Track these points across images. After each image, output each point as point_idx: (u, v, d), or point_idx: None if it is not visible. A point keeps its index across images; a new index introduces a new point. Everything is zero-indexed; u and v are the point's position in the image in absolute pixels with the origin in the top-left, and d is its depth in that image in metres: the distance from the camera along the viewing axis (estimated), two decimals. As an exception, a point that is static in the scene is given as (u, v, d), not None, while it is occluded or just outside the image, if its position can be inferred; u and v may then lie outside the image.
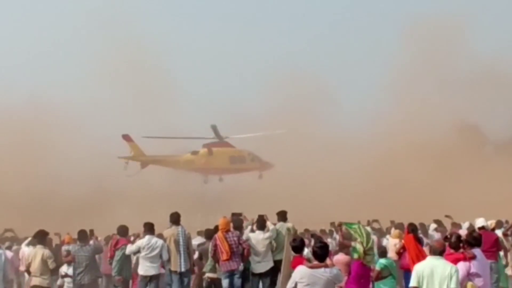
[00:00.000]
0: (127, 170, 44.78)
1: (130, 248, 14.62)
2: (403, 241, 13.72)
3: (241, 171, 46.24)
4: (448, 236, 11.29)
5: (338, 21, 51.23)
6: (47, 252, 14.21)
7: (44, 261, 14.01)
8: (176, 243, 14.38)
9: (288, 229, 14.56)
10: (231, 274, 14.04)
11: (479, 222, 15.13)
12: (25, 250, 17.97)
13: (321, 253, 9.05)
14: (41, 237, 14.59)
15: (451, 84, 46.34)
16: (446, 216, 21.33)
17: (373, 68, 50.39)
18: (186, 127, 44.63)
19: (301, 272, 8.96)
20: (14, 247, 18.63)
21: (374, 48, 51.20)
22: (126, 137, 45.67)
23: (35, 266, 14.06)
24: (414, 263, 11.02)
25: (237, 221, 14.81)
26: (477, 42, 51.38)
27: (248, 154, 46.92)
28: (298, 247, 10.27)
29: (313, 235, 9.30)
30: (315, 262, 9.02)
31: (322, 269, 8.91)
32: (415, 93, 46.77)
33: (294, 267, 9.47)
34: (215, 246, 14.08)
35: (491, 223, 15.41)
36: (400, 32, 48.40)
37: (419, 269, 9.58)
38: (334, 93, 49.35)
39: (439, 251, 9.68)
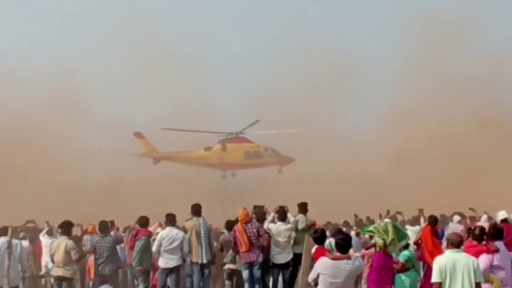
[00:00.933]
0: (140, 166, 45.05)
1: (154, 249, 14.56)
2: (420, 232, 13.67)
3: (257, 166, 45.95)
4: (472, 229, 11.28)
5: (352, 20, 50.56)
6: (70, 243, 14.30)
7: (67, 252, 14.12)
8: (198, 234, 14.40)
9: (305, 226, 14.61)
10: (250, 266, 14.07)
11: (501, 215, 15.03)
12: (42, 240, 18.26)
13: (344, 245, 9.06)
14: (66, 228, 14.70)
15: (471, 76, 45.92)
16: (470, 208, 21.22)
17: (390, 63, 49.90)
18: (204, 121, 44.31)
19: (323, 263, 8.98)
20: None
21: (389, 41, 50.67)
22: (138, 134, 46.00)
23: (59, 256, 14.17)
24: (430, 256, 11.00)
25: (260, 213, 14.81)
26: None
27: (265, 149, 46.62)
28: (319, 238, 10.29)
29: (338, 231, 9.26)
30: (338, 254, 9.04)
31: (345, 261, 8.93)
32: (433, 86, 46.58)
33: (316, 258, 9.50)
34: (235, 237, 14.15)
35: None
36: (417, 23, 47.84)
37: (441, 263, 9.32)
38: (352, 86, 49.09)
39: (457, 243, 9.49)
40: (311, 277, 9.09)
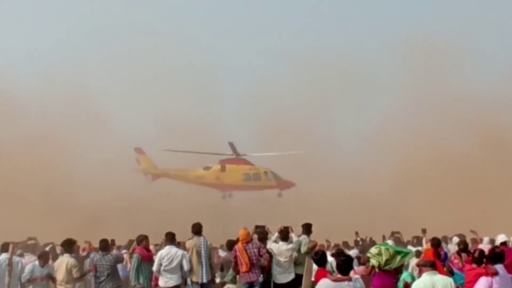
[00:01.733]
0: (140, 181, 45.32)
1: (154, 268, 14.51)
2: (423, 254, 13.72)
3: (256, 189, 45.88)
4: (471, 252, 11.33)
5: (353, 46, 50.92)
6: (72, 261, 14.31)
7: (69, 270, 14.14)
8: (198, 254, 14.42)
9: (307, 249, 14.66)
10: (251, 286, 14.10)
11: (501, 238, 15.16)
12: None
13: (345, 266, 9.10)
14: (68, 246, 14.73)
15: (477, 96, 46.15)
16: (471, 231, 21.29)
17: (393, 83, 50.10)
18: (205, 142, 44.41)
19: (325, 284, 9.00)
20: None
21: (392, 62, 50.94)
22: (138, 150, 46.46)
23: (61, 275, 14.16)
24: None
25: (261, 233, 14.83)
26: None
27: (264, 172, 46.56)
28: (320, 260, 10.30)
29: (339, 252, 9.36)
30: (339, 276, 9.07)
31: (346, 283, 8.95)
32: (436, 107, 46.81)
33: (317, 280, 9.52)
34: (235, 257, 14.17)
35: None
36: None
37: (420, 287, 9.87)
38: (354, 106, 49.26)
39: (429, 264, 10.10)
40: (313, 298, 9.15)
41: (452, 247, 19.12)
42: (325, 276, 9.26)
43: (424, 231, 21.14)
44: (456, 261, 12.72)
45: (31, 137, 41.82)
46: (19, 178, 39.90)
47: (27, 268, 14.65)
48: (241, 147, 45.83)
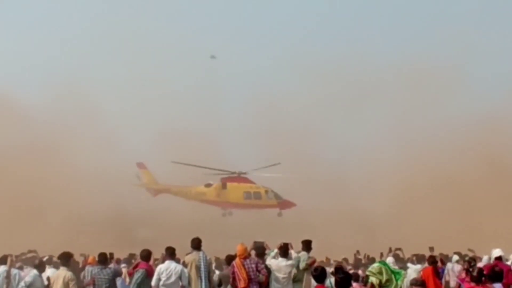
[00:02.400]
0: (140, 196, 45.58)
1: (153, 283, 14.40)
2: (421, 273, 13.73)
3: (256, 207, 45.97)
4: (470, 270, 11.30)
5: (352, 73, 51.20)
6: (69, 274, 14.27)
7: (65, 284, 14.10)
8: (197, 268, 14.42)
9: (305, 265, 14.62)
10: (249, 301, 14.07)
11: (496, 253, 15.16)
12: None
13: (343, 283, 9.07)
14: (65, 259, 14.71)
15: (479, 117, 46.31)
16: (469, 250, 21.27)
17: (393, 99, 50.24)
18: (207, 159, 44.42)
19: (323, 302, 9.00)
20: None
21: (391, 78, 51.11)
22: (140, 165, 46.73)
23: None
24: None
25: (259, 248, 14.85)
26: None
27: (265, 191, 46.65)
28: (319, 276, 10.26)
29: (338, 269, 9.33)
30: (337, 293, 9.04)
31: (344, 300, 8.94)
32: (436, 124, 46.94)
33: (316, 297, 9.50)
34: (233, 273, 14.14)
35: None
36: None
37: None
38: (353, 122, 49.39)
39: (420, 283, 10.28)
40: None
41: (451, 265, 19.07)
42: (323, 293, 9.25)
43: (431, 249, 21.16)
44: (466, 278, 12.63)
45: (32, 147, 41.91)
46: (18, 188, 39.92)
47: (29, 277, 14.57)
48: (242, 165, 46.13)
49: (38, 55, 54.14)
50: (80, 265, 18.56)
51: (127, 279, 16.69)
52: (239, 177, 46.59)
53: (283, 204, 46.27)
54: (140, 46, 51.81)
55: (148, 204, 44.93)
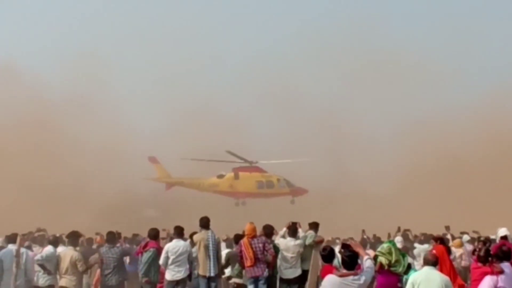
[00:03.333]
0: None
1: (161, 261, 14.50)
2: (434, 251, 13.60)
3: (269, 196, 46.25)
4: (477, 250, 11.31)
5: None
6: (76, 254, 14.36)
7: (73, 263, 14.19)
8: (206, 247, 14.44)
9: (312, 242, 14.72)
10: (256, 280, 14.17)
11: (501, 232, 15.17)
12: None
13: (350, 262, 9.11)
14: (73, 238, 14.80)
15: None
16: (474, 231, 21.29)
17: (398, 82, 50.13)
18: (217, 150, 44.36)
19: (331, 281, 8.99)
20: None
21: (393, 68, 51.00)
22: (152, 159, 46.87)
23: (64, 267, 14.22)
24: (451, 274, 11.09)
25: (268, 228, 14.91)
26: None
27: (277, 180, 46.99)
28: (327, 256, 10.29)
29: (344, 247, 9.35)
30: (344, 271, 9.07)
31: (351, 277, 8.97)
32: (441, 107, 46.94)
33: (323, 276, 9.51)
34: (241, 252, 14.24)
35: None
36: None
37: (416, 277, 10.20)
38: (360, 105, 49.32)
39: (431, 263, 10.28)
40: (319, 294, 9.16)
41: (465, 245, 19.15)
42: (331, 272, 9.24)
43: (447, 228, 21.17)
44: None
45: (48, 131, 42.05)
46: (33, 171, 40.14)
47: (46, 251, 14.61)
48: (254, 154, 46.31)
49: (57, 41, 54.12)
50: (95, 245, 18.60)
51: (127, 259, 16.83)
52: (251, 167, 46.81)
53: (296, 191, 46.61)
54: (147, 37, 51.74)
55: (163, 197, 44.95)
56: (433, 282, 9.96)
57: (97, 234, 19.23)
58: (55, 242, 15.11)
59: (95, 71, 47.23)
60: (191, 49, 54.55)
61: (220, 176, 47.22)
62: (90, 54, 47.59)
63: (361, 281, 8.96)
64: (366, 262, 9.34)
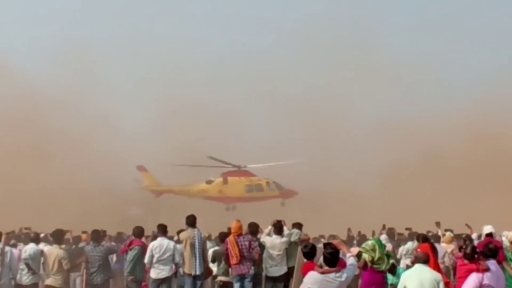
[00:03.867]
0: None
1: (145, 260, 14.45)
2: (419, 249, 13.50)
3: (259, 200, 45.93)
4: (463, 247, 11.25)
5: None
6: (61, 252, 14.29)
7: (58, 261, 14.10)
8: (192, 246, 14.37)
9: (297, 239, 14.68)
10: (242, 278, 14.17)
11: (487, 229, 15.19)
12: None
13: (332, 259, 9.07)
14: (57, 236, 14.69)
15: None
16: (467, 225, 21.17)
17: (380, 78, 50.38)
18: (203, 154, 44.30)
19: (312, 277, 8.99)
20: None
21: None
22: (140, 168, 46.67)
23: (50, 266, 14.14)
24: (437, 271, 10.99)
25: (253, 226, 14.97)
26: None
27: (267, 183, 46.82)
28: (309, 253, 10.26)
29: (327, 244, 9.32)
30: (326, 268, 9.04)
31: (333, 274, 8.94)
32: (427, 100, 47.17)
33: (305, 273, 9.47)
34: (227, 249, 14.21)
35: None
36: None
37: (407, 274, 10.25)
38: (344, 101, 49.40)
39: (423, 260, 10.29)
40: (301, 291, 9.09)
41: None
42: (312, 269, 9.22)
43: (438, 224, 21.11)
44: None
45: (32, 129, 41.82)
46: (17, 169, 39.93)
47: (30, 249, 14.53)
48: (242, 157, 46.25)
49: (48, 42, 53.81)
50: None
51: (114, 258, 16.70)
52: (240, 171, 46.71)
53: (285, 193, 46.37)
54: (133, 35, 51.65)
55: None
56: (425, 279, 10.01)
57: (83, 232, 19.10)
58: (37, 239, 15.01)
59: (79, 67, 46.95)
60: (191, 48, 54.30)
61: (209, 182, 47.06)
62: (76, 50, 47.40)
63: (343, 278, 8.95)
64: (349, 259, 9.34)
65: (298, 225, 15.45)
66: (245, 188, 46.55)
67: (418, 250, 11.21)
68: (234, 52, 56.80)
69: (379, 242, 11.70)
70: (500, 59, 54.39)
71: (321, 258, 10.36)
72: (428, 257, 10.52)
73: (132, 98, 50.08)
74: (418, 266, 10.27)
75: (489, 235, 14.80)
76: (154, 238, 15.45)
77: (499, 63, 53.57)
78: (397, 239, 21.02)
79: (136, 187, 46.43)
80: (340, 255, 9.28)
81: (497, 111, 44.35)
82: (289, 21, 56.34)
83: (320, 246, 12.45)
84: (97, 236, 15.35)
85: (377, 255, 11.04)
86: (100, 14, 57.98)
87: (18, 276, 14.69)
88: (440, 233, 19.95)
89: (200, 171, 44.98)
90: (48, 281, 14.20)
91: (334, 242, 9.66)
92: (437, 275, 10.16)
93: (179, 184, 46.55)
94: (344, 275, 8.98)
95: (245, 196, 46.30)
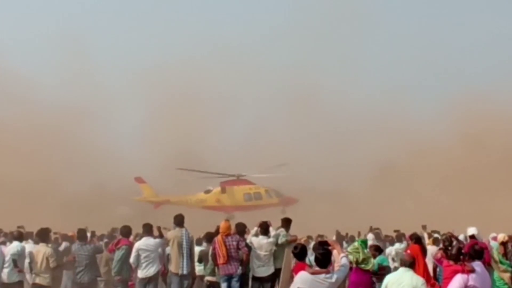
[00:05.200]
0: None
1: (131, 259, 14.40)
2: (408, 251, 13.65)
3: (258, 208, 44.99)
4: (449, 248, 11.35)
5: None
6: (49, 250, 14.21)
7: (46, 260, 14.02)
8: (179, 245, 14.36)
9: (285, 241, 14.71)
10: (229, 278, 14.12)
11: (470, 231, 15.31)
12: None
13: (323, 259, 9.10)
14: (43, 235, 14.62)
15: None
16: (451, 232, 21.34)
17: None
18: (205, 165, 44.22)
19: (302, 277, 9.00)
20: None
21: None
22: (138, 179, 46.19)
23: (37, 264, 14.07)
24: (424, 275, 11.06)
25: (240, 226, 14.94)
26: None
27: (265, 191, 46.62)
28: (299, 254, 10.27)
29: (319, 244, 9.36)
30: (317, 268, 9.07)
31: (323, 275, 8.96)
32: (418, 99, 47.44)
33: (296, 273, 9.51)
34: (214, 249, 14.18)
35: (503, 236, 15.17)
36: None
37: (389, 278, 10.12)
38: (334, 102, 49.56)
39: (408, 263, 10.11)
40: (291, 291, 9.12)
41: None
42: (303, 269, 9.25)
43: (424, 227, 21.24)
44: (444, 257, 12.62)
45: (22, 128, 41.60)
46: (4, 168, 39.71)
47: (14, 248, 14.41)
48: (240, 168, 46.11)
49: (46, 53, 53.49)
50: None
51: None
52: (238, 180, 46.50)
53: (285, 201, 46.02)
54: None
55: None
56: (403, 284, 9.87)
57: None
58: (20, 237, 14.92)
59: (73, 66, 46.85)
60: (191, 48, 54.33)
61: (207, 191, 46.81)
62: (72, 49, 47.33)
63: (333, 280, 8.97)
64: (342, 259, 9.35)
65: (286, 221, 15.29)
66: (244, 196, 46.32)
67: (405, 253, 11.29)
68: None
69: (363, 243, 11.85)
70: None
71: (307, 259, 10.47)
72: (413, 261, 10.46)
73: (125, 97, 50.00)
74: (401, 270, 10.16)
75: (472, 236, 14.94)
76: (140, 238, 15.43)
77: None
78: (383, 240, 21.15)
79: (134, 198, 45.93)
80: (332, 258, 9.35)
81: (485, 111, 44.75)
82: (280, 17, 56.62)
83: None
84: (83, 235, 15.31)
85: (361, 255, 11.18)
86: (100, 14, 57.66)
87: (1, 274, 14.56)
88: (425, 236, 20.09)
89: (196, 182, 44.86)
90: (36, 280, 14.11)
91: (330, 241, 9.71)
92: (418, 281, 9.96)
93: (176, 194, 46.30)
94: (334, 276, 9.00)
95: (244, 205, 45.91)
